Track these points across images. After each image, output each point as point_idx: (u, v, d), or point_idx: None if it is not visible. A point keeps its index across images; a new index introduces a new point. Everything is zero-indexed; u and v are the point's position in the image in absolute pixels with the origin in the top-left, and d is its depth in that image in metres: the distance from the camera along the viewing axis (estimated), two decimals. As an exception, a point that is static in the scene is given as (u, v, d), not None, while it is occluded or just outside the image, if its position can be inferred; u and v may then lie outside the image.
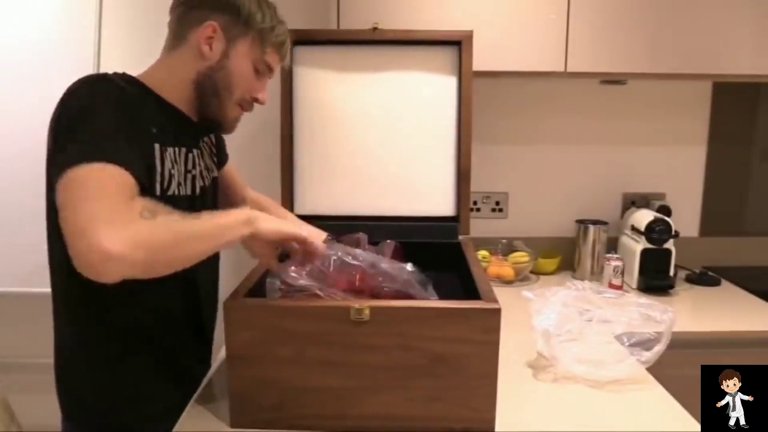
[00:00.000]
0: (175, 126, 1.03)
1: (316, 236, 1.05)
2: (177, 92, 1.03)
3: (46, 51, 1.85)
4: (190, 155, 1.07)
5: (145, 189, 0.90)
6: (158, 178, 0.96)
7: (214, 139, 1.23)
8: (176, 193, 1.01)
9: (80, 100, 0.89)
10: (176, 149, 1.02)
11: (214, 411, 1.01)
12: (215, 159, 1.22)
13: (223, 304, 0.93)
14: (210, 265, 1.16)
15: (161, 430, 0.99)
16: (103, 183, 0.81)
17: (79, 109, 0.88)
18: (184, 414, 1.01)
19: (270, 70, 1.08)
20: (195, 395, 1.07)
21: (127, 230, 0.78)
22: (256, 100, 1.09)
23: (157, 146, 0.95)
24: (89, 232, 0.75)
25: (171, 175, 0.99)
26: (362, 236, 1.20)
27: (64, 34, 1.87)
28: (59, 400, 1.06)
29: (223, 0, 1.01)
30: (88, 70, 1.86)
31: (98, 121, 0.86)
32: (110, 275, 0.77)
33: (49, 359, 1.06)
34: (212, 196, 1.17)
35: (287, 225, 0.99)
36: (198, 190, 1.09)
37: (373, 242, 1.24)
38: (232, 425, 0.95)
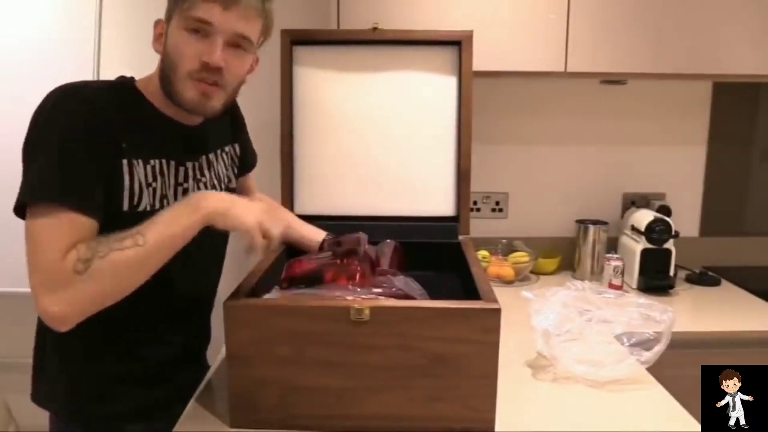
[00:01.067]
0: (166, 138, 1.01)
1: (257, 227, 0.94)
2: (163, 100, 1.00)
3: (46, 51, 1.85)
4: (182, 168, 1.04)
5: (110, 205, 0.92)
6: (126, 194, 0.94)
7: (237, 149, 1.20)
8: (154, 207, 0.97)
9: (39, 121, 0.90)
10: (161, 161, 1.00)
11: (214, 411, 1.01)
12: (235, 169, 1.20)
13: (223, 304, 0.93)
14: (208, 266, 1.16)
15: (135, 430, 1.01)
16: (43, 234, 0.86)
17: (36, 132, 0.90)
18: (184, 414, 1.01)
19: (207, 23, 0.92)
20: (195, 395, 1.07)
21: (66, 293, 0.85)
22: (208, 66, 0.93)
23: (125, 162, 0.94)
24: (37, 297, 0.85)
25: (142, 191, 0.96)
26: (362, 236, 1.20)
27: (64, 34, 1.87)
28: (32, 390, 1.09)
29: None
30: (88, 70, 1.86)
31: (52, 147, 0.88)
32: (65, 328, 0.87)
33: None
34: None
35: (246, 219, 0.93)
36: None
37: (373, 242, 1.24)
38: (232, 425, 0.95)
